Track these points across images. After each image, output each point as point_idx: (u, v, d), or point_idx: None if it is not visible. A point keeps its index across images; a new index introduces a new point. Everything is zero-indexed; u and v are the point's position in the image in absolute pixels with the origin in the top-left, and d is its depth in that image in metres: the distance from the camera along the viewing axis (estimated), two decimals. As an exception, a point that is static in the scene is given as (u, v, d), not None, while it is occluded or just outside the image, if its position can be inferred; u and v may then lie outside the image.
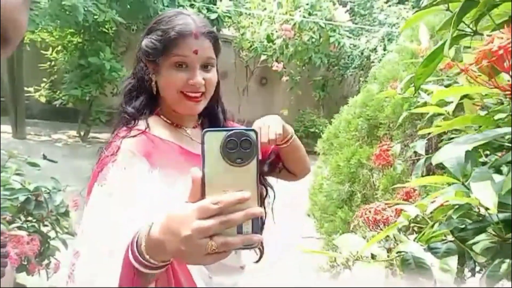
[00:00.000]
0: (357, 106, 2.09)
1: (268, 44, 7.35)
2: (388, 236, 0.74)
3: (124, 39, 7.32)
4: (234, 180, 0.52)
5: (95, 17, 5.81)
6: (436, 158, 0.45)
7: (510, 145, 0.60)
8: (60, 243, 1.71)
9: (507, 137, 0.63)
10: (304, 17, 6.97)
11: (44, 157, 3.01)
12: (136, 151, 0.83)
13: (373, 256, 0.67)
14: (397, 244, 0.72)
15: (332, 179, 2.04)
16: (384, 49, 7.15)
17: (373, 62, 7.11)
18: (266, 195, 1.04)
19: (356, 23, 8.02)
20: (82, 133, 7.15)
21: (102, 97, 7.05)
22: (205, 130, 0.53)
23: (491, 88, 0.34)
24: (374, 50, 7.34)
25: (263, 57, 7.47)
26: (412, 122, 1.77)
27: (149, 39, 0.88)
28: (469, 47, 0.87)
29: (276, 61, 7.43)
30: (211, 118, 0.99)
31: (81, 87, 6.42)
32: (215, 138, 0.52)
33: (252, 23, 7.49)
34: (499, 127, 0.45)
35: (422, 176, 1.18)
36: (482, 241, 0.50)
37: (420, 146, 1.28)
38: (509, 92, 0.33)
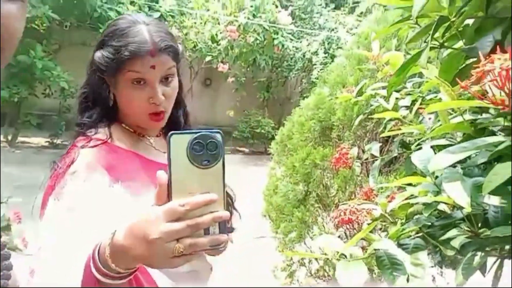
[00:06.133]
0: (309, 108, 2.17)
1: (212, 45, 7.31)
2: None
3: (57, 36, 6.85)
4: (200, 183, 0.52)
5: (25, 11, 5.35)
6: (431, 166, 0.48)
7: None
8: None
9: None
10: (248, 19, 7.04)
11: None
12: (96, 162, 0.78)
13: (351, 256, 0.70)
14: (370, 242, 0.77)
15: (287, 180, 2.09)
16: (325, 53, 7.47)
17: (314, 64, 7.39)
18: (234, 200, 1.03)
19: (297, 27, 8.27)
20: (9, 138, 6.56)
21: (33, 98, 6.53)
22: (171, 133, 0.53)
23: (487, 103, 0.38)
24: (315, 53, 7.62)
25: (207, 58, 7.42)
26: (362, 124, 1.88)
27: (101, 54, 0.82)
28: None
29: (221, 62, 7.42)
30: (172, 123, 0.96)
31: (9, 88, 5.89)
32: (181, 141, 0.52)
33: (195, 23, 7.39)
34: (476, 134, 0.50)
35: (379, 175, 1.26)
36: (457, 236, 0.55)
37: (375, 148, 1.37)
38: (502, 107, 0.37)
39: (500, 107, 0.37)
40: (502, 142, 0.42)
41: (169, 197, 0.52)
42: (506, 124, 0.42)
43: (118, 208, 0.74)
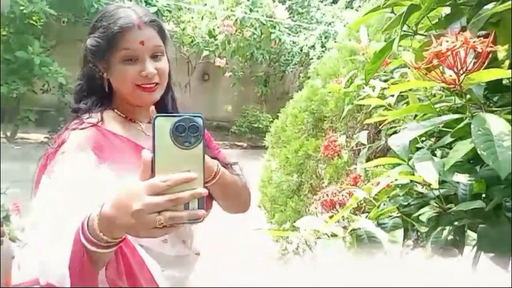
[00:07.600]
0: (302, 100, 2.19)
1: (210, 40, 7.32)
2: (342, 216, 0.82)
3: (55, 32, 6.86)
4: (182, 162, 0.57)
5: (22, 8, 5.37)
6: (391, 142, 0.52)
7: (442, 131, 0.70)
8: (-1, 250, 1.58)
9: (442, 125, 0.73)
10: (245, 13, 7.04)
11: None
12: (85, 144, 0.82)
13: (332, 235, 0.74)
14: (351, 222, 0.80)
15: (281, 171, 2.12)
16: (322, 46, 7.48)
17: (312, 58, 7.41)
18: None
19: (294, 21, 8.27)
20: (8, 134, 6.59)
21: (31, 94, 6.56)
22: (156, 115, 0.58)
23: (439, 82, 0.42)
24: (313, 47, 7.64)
25: (205, 53, 7.43)
26: (353, 115, 1.91)
27: (92, 38, 0.87)
28: (400, 46, 0.98)
29: (219, 56, 7.43)
30: (161, 109, 0.98)
31: (7, 84, 5.91)
32: (165, 123, 0.57)
33: (192, 18, 7.40)
34: (439, 115, 0.53)
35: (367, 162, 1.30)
36: (426, 212, 0.59)
37: (363, 136, 1.41)
38: (453, 85, 0.40)
39: (451, 86, 0.41)
40: (460, 119, 0.45)
41: (152, 174, 0.56)
42: (458, 101, 0.45)
43: (103, 186, 0.76)
